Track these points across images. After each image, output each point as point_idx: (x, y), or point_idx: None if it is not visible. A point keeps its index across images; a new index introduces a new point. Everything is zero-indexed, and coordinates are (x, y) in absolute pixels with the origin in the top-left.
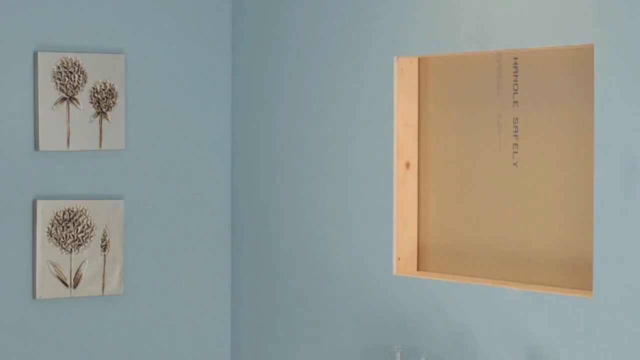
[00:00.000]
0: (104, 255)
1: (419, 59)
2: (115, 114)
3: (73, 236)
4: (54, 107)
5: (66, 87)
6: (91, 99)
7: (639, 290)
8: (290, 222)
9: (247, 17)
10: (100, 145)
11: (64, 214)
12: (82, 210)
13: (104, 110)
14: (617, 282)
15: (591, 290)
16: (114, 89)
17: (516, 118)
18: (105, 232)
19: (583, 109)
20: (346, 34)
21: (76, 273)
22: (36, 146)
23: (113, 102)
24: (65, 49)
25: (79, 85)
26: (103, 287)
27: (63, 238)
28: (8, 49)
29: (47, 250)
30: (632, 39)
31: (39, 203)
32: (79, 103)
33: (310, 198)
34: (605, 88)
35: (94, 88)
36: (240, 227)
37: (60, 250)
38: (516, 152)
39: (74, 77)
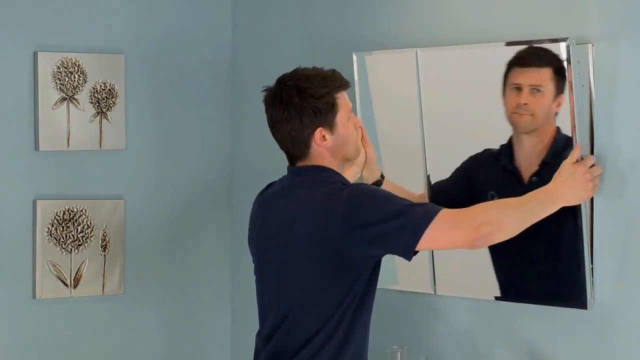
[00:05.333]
0: (104, 255)
1: None
2: (115, 114)
3: (73, 236)
4: (54, 107)
5: (66, 87)
6: (91, 99)
7: (637, 297)
8: None
9: (248, 18)
10: (100, 145)
11: (64, 214)
12: (82, 210)
13: (104, 110)
14: (614, 289)
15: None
16: (114, 89)
17: None
18: (105, 232)
19: None
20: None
21: (76, 273)
22: (36, 146)
23: (113, 102)
24: (65, 49)
25: (79, 85)
26: (103, 287)
27: (63, 238)
28: (8, 49)
29: (47, 250)
30: (631, 38)
31: (39, 203)
32: (79, 103)
33: None
34: (604, 87)
35: (94, 88)
36: (241, 226)
37: (60, 250)
38: None
39: (74, 77)
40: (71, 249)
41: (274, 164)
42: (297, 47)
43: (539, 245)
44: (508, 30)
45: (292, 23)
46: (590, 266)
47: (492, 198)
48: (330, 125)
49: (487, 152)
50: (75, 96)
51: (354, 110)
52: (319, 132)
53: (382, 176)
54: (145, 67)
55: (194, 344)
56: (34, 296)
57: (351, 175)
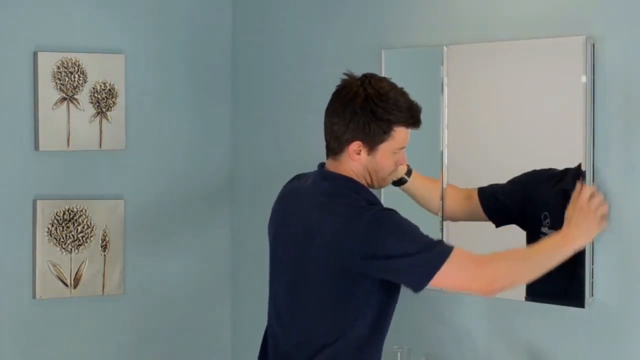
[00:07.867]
0: (104, 255)
1: None
2: (115, 114)
3: (73, 236)
4: (54, 107)
5: (66, 87)
6: (91, 99)
7: (637, 297)
8: None
9: (248, 18)
10: (100, 145)
11: (64, 214)
12: (82, 210)
13: (104, 110)
14: (615, 289)
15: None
16: (114, 89)
17: None
18: (105, 232)
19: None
20: (348, 29)
21: (76, 273)
22: (36, 146)
23: (113, 102)
24: (65, 49)
25: (79, 85)
26: (103, 287)
27: (63, 238)
28: (8, 49)
29: (47, 250)
30: (632, 36)
31: (39, 203)
32: (79, 103)
33: None
34: (605, 86)
35: (94, 88)
36: (241, 226)
37: (60, 250)
38: None
39: (74, 77)
40: (71, 249)
41: (274, 164)
42: (298, 48)
43: None
44: (510, 29)
45: (292, 23)
46: (591, 266)
47: (545, 219)
48: (371, 146)
49: (550, 171)
50: (75, 96)
51: None
52: (356, 145)
53: (409, 172)
54: (145, 67)
55: (194, 344)
56: (34, 296)
57: None
